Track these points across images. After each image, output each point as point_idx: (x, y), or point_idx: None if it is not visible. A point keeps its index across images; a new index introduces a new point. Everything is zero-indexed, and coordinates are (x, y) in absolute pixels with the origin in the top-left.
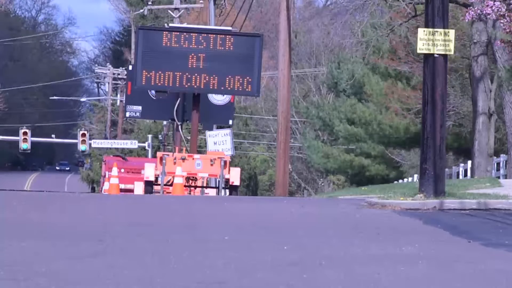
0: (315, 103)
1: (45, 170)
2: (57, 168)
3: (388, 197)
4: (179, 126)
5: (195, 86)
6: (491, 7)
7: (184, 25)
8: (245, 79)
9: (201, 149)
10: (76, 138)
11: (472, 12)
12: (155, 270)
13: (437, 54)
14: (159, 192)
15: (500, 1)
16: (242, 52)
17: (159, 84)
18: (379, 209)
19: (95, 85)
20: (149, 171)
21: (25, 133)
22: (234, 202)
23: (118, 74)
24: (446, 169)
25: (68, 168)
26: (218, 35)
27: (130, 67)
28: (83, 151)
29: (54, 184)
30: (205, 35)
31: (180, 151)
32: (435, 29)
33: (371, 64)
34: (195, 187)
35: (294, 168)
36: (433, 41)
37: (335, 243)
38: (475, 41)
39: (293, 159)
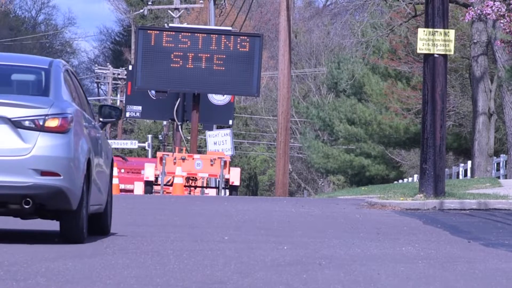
0: (315, 103)
1: None
2: None
3: (388, 197)
4: (179, 126)
5: (195, 86)
6: (491, 7)
7: (184, 25)
8: (245, 79)
9: (201, 149)
10: None
11: (472, 12)
12: (155, 270)
13: (437, 54)
14: (159, 192)
15: (500, 1)
16: (242, 52)
17: (159, 84)
18: (379, 209)
19: (95, 85)
20: (149, 171)
21: None
22: (234, 202)
23: (118, 74)
24: (446, 169)
25: None
26: (218, 35)
27: (130, 67)
28: None
29: None
30: (205, 35)
31: (180, 151)
32: (435, 29)
33: (371, 64)
34: (195, 187)
35: (294, 168)
36: (433, 41)
37: (335, 243)
38: (475, 41)
39: (293, 159)
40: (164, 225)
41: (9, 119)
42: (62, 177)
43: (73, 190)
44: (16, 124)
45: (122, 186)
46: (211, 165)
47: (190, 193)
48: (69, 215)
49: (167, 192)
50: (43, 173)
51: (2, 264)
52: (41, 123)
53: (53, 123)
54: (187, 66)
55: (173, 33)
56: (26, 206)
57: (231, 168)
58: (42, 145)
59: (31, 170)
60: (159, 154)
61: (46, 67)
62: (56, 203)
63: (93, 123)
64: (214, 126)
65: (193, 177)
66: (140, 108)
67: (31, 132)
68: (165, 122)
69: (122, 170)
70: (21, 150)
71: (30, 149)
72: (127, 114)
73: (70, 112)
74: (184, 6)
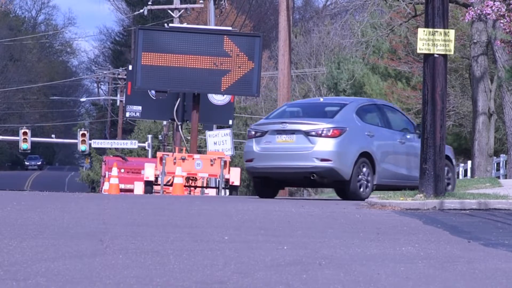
0: None
1: (44, 170)
2: (26, 163)
3: (388, 197)
4: (179, 126)
5: (195, 86)
6: (491, 7)
7: (184, 25)
8: (245, 79)
9: (201, 149)
10: (76, 138)
11: (472, 12)
12: (155, 270)
13: (437, 54)
14: (159, 192)
15: (500, 1)
16: (241, 52)
17: (159, 84)
18: (379, 209)
19: (95, 85)
20: (149, 171)
21: (25, 133)
22: (234, 202)
23: (118, 74)
24: None
25: (39, 163)
26: (218, 35)
27: (130, 67)
28: (83, 151)
29: (54, 185)
30: (205, 35)
31: (180, 151)
32: (435, 29)
33: (371, 64)
34: (195, 187)
35: None
36: (433, 41)
37: (335, 243)
38: (475, 41)
39: None
40: (164, 225)
41: (303, 131)
42: (332, 161)
43: (342, 169)
44: (307, 134)
45: (122, 186)
46: (211, 165)
47: (190, 193)
48: (343, 183)
49: (167, 192)
50: (322, 160)
51: (2, 264)
52: (319, 133)
53: (327, 132)
54: (187, 66)
55: (173, 33)
56: (312, 178)
57: (231, 168)
58: (320, 144)
59: (315, 158)
60: (159, 154)
61: (346, 103)
62: (331, 177)
63: (396, 134)
64: (214, 126)
65: (193, 177)
66: (140, 108)
67: (315, 138)
68: (165, 122)
69: (122, 170)
70: (309, 147)
71: (313, 147)
72: (127, 114)
73: (343, 126)
74: (184, 6)
